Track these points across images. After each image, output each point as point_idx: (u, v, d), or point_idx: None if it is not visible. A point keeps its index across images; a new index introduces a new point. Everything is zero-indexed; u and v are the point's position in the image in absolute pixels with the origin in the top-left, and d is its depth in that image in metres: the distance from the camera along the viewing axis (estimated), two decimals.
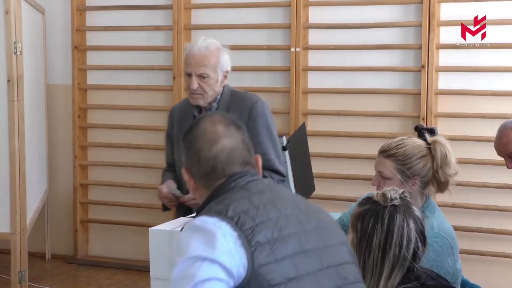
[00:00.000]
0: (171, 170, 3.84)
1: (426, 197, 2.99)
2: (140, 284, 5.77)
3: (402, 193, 2.45)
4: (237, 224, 1.91)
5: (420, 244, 2.39)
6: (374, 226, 2.36)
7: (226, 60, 3.68)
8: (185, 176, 2.15)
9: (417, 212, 2.45)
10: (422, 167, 2.93)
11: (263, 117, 3.67)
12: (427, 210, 2.94)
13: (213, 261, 1.85)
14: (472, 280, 3.23)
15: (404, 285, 2.32)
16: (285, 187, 3.32)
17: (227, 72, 3.68)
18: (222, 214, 1.93)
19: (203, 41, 3.70)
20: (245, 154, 2.13)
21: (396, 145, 2.93)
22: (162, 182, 3.78)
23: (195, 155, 2.11)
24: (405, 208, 2.42)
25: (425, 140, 3.00)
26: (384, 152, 2.94)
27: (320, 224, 2.07)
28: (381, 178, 2.93)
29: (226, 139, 2.10)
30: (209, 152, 2.09)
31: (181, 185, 3.66)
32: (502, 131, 3.64)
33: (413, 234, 2.38)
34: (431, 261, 2.76)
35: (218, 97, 3.68)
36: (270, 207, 1.99)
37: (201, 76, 3.60)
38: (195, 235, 1.91)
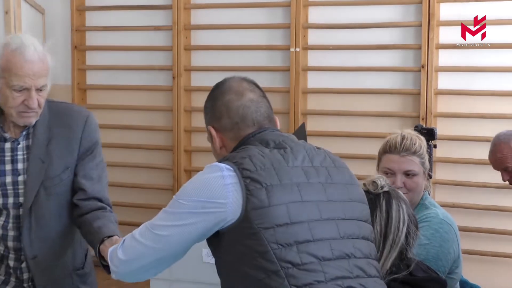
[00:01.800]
0: None
1: (423, 191, 3.03)
2: (140, 284, 5.76)
3: (385, 179, 2.49)
4: (239, 167, 2.04)
5: (412, 226, 2.43)
6: (373, 214, 2.37)
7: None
8: (212, 132, 2.24)
9: (404, 196, 2.50)
10: (428, 159, 3.01)
11: (98, 133, 2.92)
12: (427, 201, 2.98)
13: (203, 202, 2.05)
14: (472, 280, 3.23)
15: (394, 275, 2.33)
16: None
17: None
18: (229, 160, 2.08)
19: (28, 39, 2.81)
20: (270, 110, 2.28)
21: (411, 141, 2.97)
22: None
23: (224, 106, 2.22)
24: (396, 193, 2.46)
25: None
26: (408, 151, 2.96)
27: (328, 180, 2.15)
28: (407, 177, 2.94)
29: (251, 93, 2.25)
30: (239, 102, 2.22)
31: None
32: (496, 146, 3.60)
33: (407, 217, 2.42)
34: (436, 247, 2.78)
35: None
36: (278, 156, 2.11)
37: (39, 90, 2.72)
38: (198, 177, 2.11)
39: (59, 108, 2.86)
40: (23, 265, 2.83)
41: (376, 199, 2.41)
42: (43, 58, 2.74)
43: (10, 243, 2.80)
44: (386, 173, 2.95)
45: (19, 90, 2.68)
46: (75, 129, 2.83)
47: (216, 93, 2.26)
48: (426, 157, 3.01)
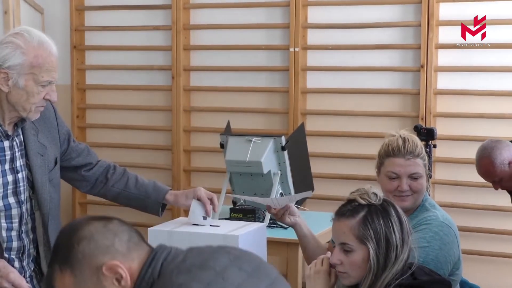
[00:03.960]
0: None
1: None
2: None
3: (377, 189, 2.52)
4: None
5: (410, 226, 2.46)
6: (388, 224, 2.37)
7: None
8: (114, 266, 1.76)
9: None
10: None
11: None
12: (427, 203, 2.98)
13: None
14: (471, 280, 3.23)
15: (398, 280, 2.33)
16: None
17: None
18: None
19: (40, 32, 2.72)
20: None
21: (413, 143, 2.96)
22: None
23: (108, 232, 1.79)
24: (390, 200, 2.48)
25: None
26: (412, 153, 2.94)
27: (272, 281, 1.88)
28: (412, 180, 2.93)
29: (115, 225, 1.84)
30: (109, 231, 1.81)
31: None
32: (479, 161, 3.72)
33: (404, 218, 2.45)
34: (436, 250, 2.78)
35: None
36: (230, 272, 1.78)
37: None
38: None
39: None
40: (24, 263, 2.80)
41: (385, 208, 2.41)
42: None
43: (15, 244, 2.75)
44: (390, 177, 2.94)
45: (44, 85, 2.64)
46: (50, 119, 2.84)
47: (82, 233, 1.78)
48: (426, 157, 3.01)
